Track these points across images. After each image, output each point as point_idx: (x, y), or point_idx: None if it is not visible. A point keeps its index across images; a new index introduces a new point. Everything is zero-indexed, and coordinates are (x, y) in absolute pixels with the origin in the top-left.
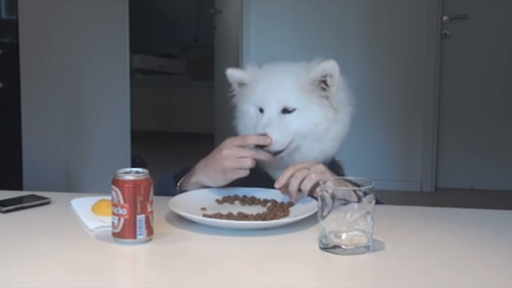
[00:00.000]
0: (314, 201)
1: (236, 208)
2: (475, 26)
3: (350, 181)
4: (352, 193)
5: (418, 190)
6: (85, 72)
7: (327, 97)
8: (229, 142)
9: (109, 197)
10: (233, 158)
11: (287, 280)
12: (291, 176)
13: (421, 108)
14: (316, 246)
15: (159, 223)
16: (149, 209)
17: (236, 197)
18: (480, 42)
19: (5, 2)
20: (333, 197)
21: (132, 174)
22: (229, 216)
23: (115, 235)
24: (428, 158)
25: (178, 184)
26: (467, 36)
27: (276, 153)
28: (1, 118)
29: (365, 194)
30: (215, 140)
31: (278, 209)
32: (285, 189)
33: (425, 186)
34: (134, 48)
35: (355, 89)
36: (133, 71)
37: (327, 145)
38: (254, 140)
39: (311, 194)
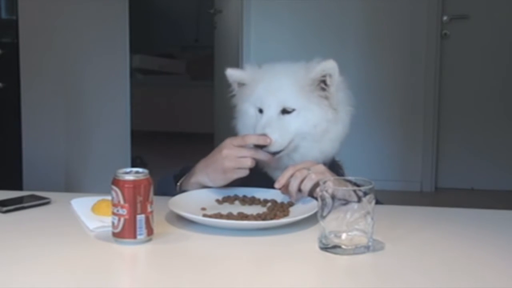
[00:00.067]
0: (314, 201)
1: (236, 208)
2: (475, 26)
3: (350, 181)
4: (352, 193)
5: (418, 190)
6: (85, 72)
7: (326, 97)
8: (229, 142)
9: (109, 197)
10: (233, 158)
11: (287, 280)
12: (291, 176)
13: (421, 108)
14: (316, 246)
15: (159, 223)
16: (149, 209)
17: (236, 197)
18: (480, 42)
19: (5, 2)
20: (333, 197)
21: (132, 174)
22: (229, 216)
23: (115, 235)
24: (428, 158)
25: (178, 184)
26: (467, 36)
27: (275, 153)
28: (1, 118)
29: (365, 194)
30: (215, 140)
31: (278, 209)
32: (285, 189)
33: (425, 186)
34: (134, 48)
35: (355, 89)
36: (133, 71)
37: (327, 146)
38: (253, 140)
39: (311, 194)
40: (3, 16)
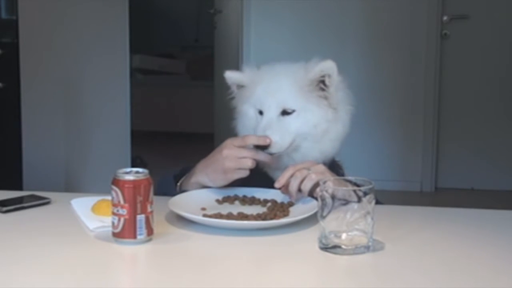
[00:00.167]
0: (314, 201)
1: (236, 208)
2: (475, 26)
3: (350, 181)
4: (352, 193)
5: (418, 190)
6: (85, 72)
7: (326, 97)
8: (229, 143)
9: (109, 197)
10: (233, 158)
11: (287, 280)
12: (291, 176)
13: (421, 108)
14: (316, 246)
15: (159, 223)
16: (149, 209)
17: (236, 197)
18: (480, 42)
19: (5, 2)
20: (333, 197)
21: (132, 174)
22: (229, 216)
23: (115, 235)
24: (428, 158)
25: (178, 184)
26: (467, 36)
27: (275, 153)
28: (1, 118)
29: (365, 194)
30: (215, 140)
31: (278, 209)
32: (285, 189)
33: (425, 186)
34: (134, 48)
35: (354, 89)
36: (133, 71)
37: (327, 146)
38: (254, 140)
39: (311, 194)
40: (3, 16)
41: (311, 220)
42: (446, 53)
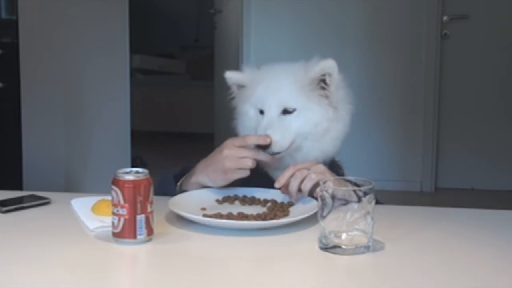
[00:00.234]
0: (314, 201)
1: (236, 208)
2: (475, 26)
3: (350, 181)
4: (352, 193)
5: (418, 190)
6: (85, 72)
7: (326, 96)
8: (229, 143)
9: (109, 197)
10: (233, 158)
11: (287, 280)
12: (291, 176)
13: (421, 108)
14: (316, 246)
15: (159, 223)
16: (149, 209)
17: (236, 197)
18: (480, 42)
19: (5, 2)
20: (333, 197)
21: (132, 174)
22: (229, 216)
23: (115, 235)
24: (428, 158)
25: (178, 184)
26: (467, 36)
27: (276, 153)
28: (1, 118)
29: (365, 194)
30: (215, 140)
31: (278, 209)
32: (285, 189)
33: (425, 186)
34: (134, 48)
35: (355, 89)
36: (133, 71)
37: (328, 145)
38: (254, 140)
39: (311, 194)
40: (3, 16)
41: (311, 220)
42: (446, 53)
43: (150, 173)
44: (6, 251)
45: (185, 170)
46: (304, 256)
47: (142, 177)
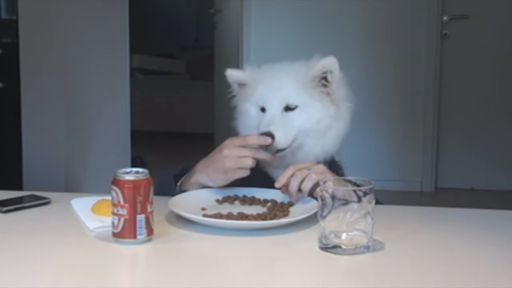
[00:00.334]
0: (314, 201)
1: (236, 208)
2: (475, 26)
3: (350, 181)
4: (352, 193)
5: (418, 190)
6: (85, 72)
7: (328, 93)
8: (229, 142)
9: (109, 197)
10: (233, 158)
11: (287, 280)
12: (291, 175)
13: (421, 108)
14: (316, 246)
15: (159, 223)
16: (149, 209)
17: (236, 197)
18: (480, 42)
19: (5, 2)
20: (333, 197)
21: (132, 174)
22: (229, 216)
23: (115, 235)
24: (428, 158)
25: (178, 184)
26: (467, 36)
27: (278, 151)
28: (1, 118)
29: (365, 194)
30: (215, 140)
31: (278, 209)
32: (285, 189)
33: (425, 186)
34: (134, 48)
35: (354, 89)
36: (133, 71)
37: (329, 143)
38: (254, 140)
39: (311, 194)
40: (3, 16)
41: (311, 220)
42: (446, 53)
43: (150, 173)
44: (6, 251)
45: (185, 170)
46: (304, 256)
47: (142, 177)
